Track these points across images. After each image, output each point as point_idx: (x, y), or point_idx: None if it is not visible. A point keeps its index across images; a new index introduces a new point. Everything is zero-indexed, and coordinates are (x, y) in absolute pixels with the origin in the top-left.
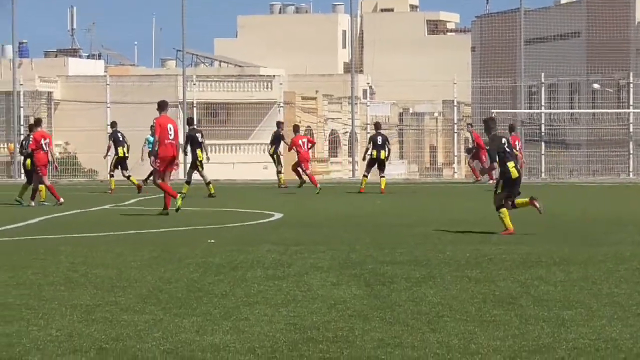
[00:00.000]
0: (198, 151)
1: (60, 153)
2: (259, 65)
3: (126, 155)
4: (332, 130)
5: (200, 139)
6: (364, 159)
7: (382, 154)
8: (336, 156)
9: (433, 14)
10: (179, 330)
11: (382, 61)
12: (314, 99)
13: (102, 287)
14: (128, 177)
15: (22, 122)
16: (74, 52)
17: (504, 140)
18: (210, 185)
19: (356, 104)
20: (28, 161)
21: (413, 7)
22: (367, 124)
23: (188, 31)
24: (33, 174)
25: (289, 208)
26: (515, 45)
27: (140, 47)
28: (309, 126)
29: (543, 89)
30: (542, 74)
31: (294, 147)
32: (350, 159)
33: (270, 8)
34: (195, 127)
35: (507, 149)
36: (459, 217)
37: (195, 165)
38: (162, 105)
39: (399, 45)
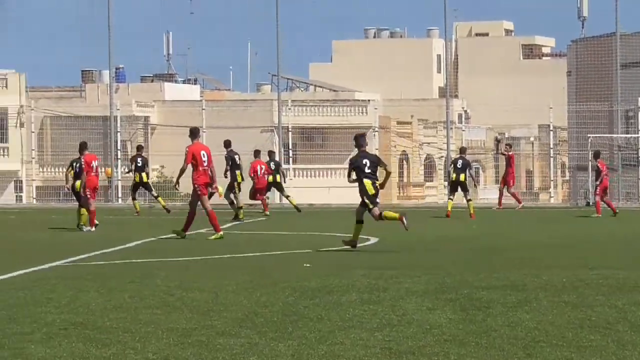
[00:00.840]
0: (237, 172)
1: (157, 177)
2: (354, 90)
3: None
4: (427, 154)
5: (238, 161)
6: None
7: (462, 177)
8: (432, 180)
9: (528, 38)
10: (275, 354)
11: (477, 86)
12: (409, 123)
13: (197, 311)
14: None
15: (119, 147)
16: (169, 77)
17: (365, 160)
18: (241, 210)
19: (451, 128)
20: (77, 183)
21: (508, 32)
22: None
23: (283, 56)
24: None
25: (384, 232)
26: (612, 70)
27: (235, 71)
28: (403, 151)
29: (639, 113)
30: (639, 98)
31: (252, 174)
32: (446, 183)
33: (365, 33)
34: (232, 149)
35: (367, 169)
36: (555, 241)
37: (233, 186)
38: (194, 133)
39: (494, 70)
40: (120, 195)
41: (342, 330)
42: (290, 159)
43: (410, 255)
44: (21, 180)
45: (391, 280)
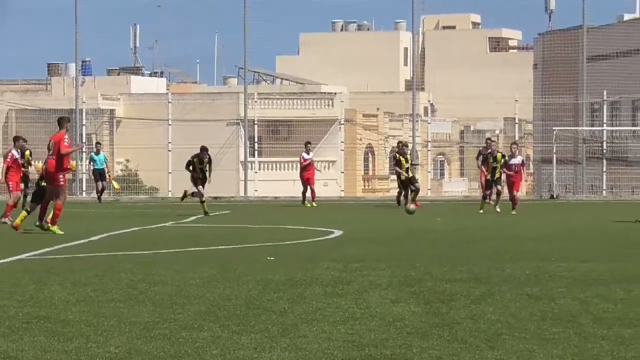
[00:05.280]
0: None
1: (121, 170)
2: (321, 83)
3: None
4: (393, 147)
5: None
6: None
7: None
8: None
9: (495, 31)
10: (237, 347)
11: (444, 78)
12: (375, 116)
13: (161, 304)
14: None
15: (84, 140)
16: (136, 70)
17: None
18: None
19: (417, 121)
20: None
21: (475, 25)
22: (427, 141)
23: (250, 49)
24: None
25: (349, 225)
26: (578, 63)
27: (202, 65)
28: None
29: (605, 106)
30: (605, 91)
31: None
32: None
33: (332, 25)
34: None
35: None
36: (520, 233)
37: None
38: (60, 122)
39: (460, 63)
40: (85, 188)
41: (305, 323)
42: (256, 152)
43: (375, 248)
44: None
45: (355, 273)
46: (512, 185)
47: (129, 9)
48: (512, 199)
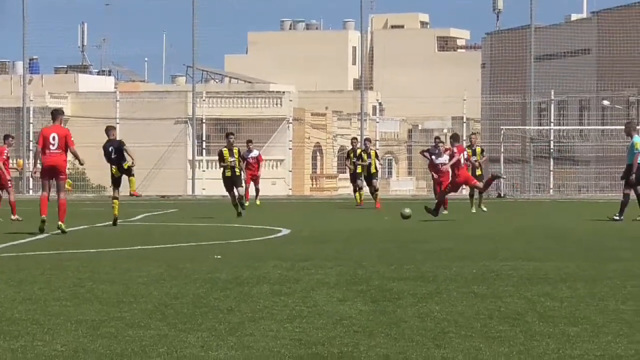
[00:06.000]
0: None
1: (69, 169)
2: (269, 82)
3: None
4: (341, 146)
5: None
6: None
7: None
8: (345, 172)
9: (443, 30)
10: (184, 346)
11: (392, 78)
12: (324, 115)
13: (108, 303)
14: None
15: (31, 138)
16: (84, 69)
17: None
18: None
19: (365, 120)
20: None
21: (423, 24)
22: (376, 140)
23: (198, 47)
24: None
25: (296, 224)
26: (526, 62)
27: (150, 63)
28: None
29: (553, 105)
30: (552, 90)
31: None
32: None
33: (281, 24)
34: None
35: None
36: (468, 232)
37: None
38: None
39: (409, 62)
40: (31, 186)
41: (252, 322)
42: (204, 151)
43: (323, 247)
44: None
45: (303, 272)
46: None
47: (77, 7)
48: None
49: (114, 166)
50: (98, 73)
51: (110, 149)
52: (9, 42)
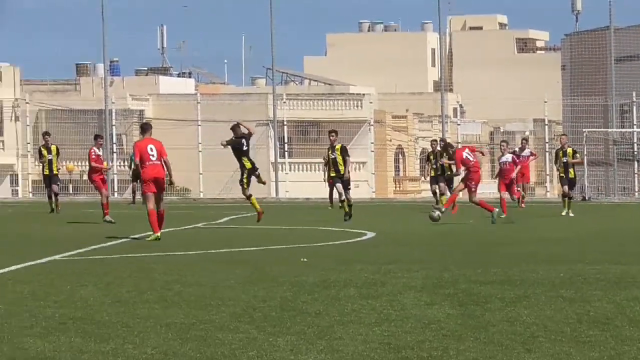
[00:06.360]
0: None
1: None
2: (349, 84)
3: None
4: (423, 149)
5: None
6: None
7: None
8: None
9: (522, 32)
10: (273, 349)
11: (472, 79)
12: (405, 117)
13: (196, 306)
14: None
15: (114, 140)
16: (164, 71)
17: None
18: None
19: (446, 122)
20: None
21: (502, 25)
22: (458, 142)
23: (278, 49)
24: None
25: (381, 227)
26: (606, 63)
27: (230, 65)
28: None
29: (635, 107)
30: (634, 92)
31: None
32: None
33: (359, 26)
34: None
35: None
36: (552, 235)
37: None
38: (144, 128)
39: (488, 64)
40: (116, 188)
41: (341, 325)
42: (286, 153)
43: (408, 250)
44: (17, 174)
45: (389, 275)
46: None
47: (156, 10)
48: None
49: (245, 158)
50: (178, 75)
51: (242, 141)
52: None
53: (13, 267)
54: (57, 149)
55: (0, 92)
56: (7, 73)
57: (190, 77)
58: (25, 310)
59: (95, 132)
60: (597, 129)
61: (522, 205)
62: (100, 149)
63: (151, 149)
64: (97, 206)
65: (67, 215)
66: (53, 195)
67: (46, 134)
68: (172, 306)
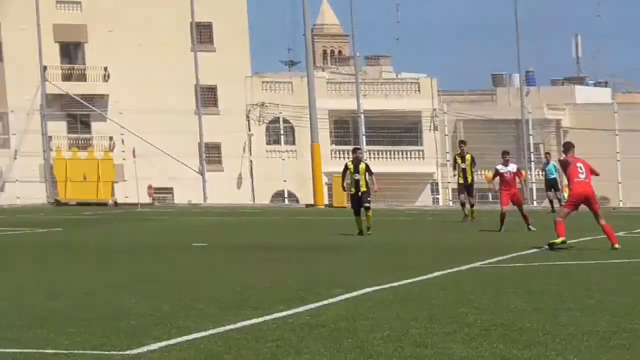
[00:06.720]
0: None
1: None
2: None
3: None
4: None
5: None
6: None
7: None
8: None
9: None
10: None
11: None
12: None
13: (617, 314)
14: None
15: (532, 150)
16: (579, 80)
17: None
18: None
19: None
20: None
21: None
22: None
23: None
24: None
25: None
26: None
27: None
28: None
29: None
30: None
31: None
32: None
33: None
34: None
35: None
36: None
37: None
38: (566, 146)
39: None
40: (534, 197)
41: None
42: None
43: None
44: (437, 183)
45: None
46: None
47: (571, 19)
48: None
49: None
50: (594, 84)
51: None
52: (505, 55)
53: (436, 273)
54: (472, 158)
55: (419, 103)
56: (425, 84)
57: (606, 86)
58: (447, 316)
59: (512, 141)
60: None
61: None
62: (508, 164)
63: (580, 168)
64: (517, 215)
65: (481, 224)
66: (467, 204)
67: (462, 142)
68: (593, 314)
